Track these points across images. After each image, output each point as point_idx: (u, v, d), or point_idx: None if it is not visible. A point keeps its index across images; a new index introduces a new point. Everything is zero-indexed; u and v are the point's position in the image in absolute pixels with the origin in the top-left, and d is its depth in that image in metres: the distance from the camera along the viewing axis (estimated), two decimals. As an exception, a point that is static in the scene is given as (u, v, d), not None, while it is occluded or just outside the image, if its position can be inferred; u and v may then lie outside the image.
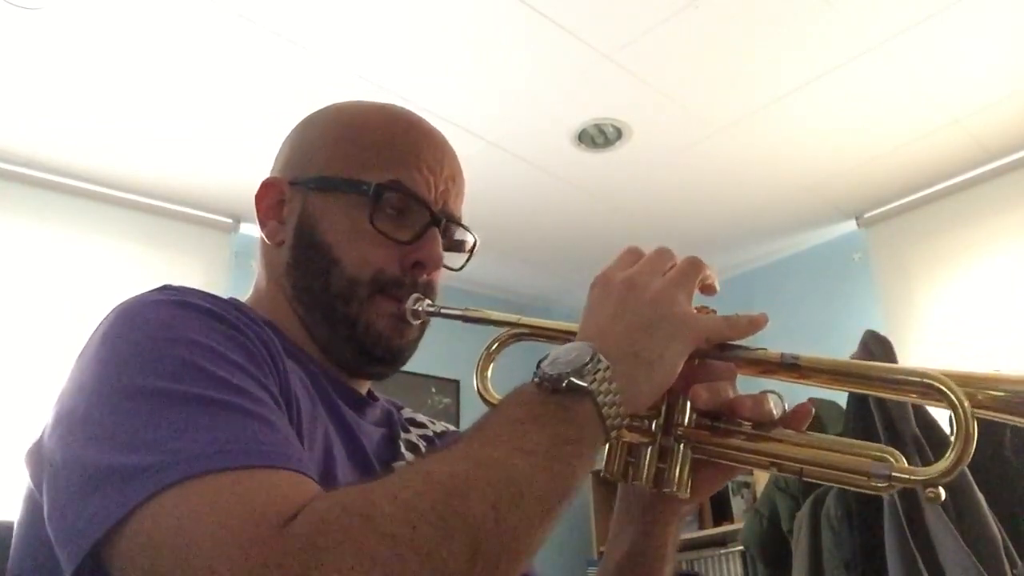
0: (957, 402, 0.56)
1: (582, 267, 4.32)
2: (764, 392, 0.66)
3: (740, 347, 0.65)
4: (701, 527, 3.54)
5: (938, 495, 0.56)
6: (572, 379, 0.56)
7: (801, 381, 0.64)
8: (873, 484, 0.59)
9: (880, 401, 1.63)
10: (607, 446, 0.69)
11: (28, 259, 2.95)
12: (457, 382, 3.93)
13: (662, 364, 0.60)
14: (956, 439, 0.55)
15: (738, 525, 3.07)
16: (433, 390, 3.88)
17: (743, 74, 2.75)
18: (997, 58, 2.70)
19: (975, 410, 0.56)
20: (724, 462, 0.68)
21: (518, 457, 0.52)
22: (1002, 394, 0.57)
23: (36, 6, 2.28)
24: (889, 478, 0.58)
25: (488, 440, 0.54)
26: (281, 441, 0.55)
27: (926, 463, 0.58)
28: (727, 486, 3.51)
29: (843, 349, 1.93)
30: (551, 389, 0.56)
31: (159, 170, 3.10)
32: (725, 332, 0.65)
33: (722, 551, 3.43)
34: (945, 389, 0.56)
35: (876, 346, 1.82)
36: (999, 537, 1.53)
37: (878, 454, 0.60)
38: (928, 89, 2.84)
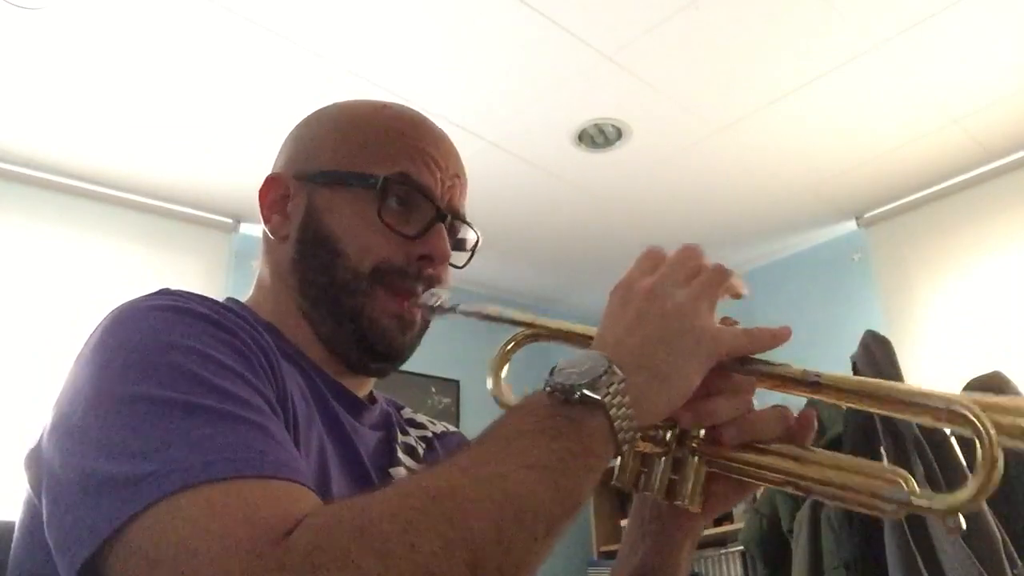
0: (983, 429, 0.53)
1: (582, 267, 4.33)
2: (775, 406, 0.65)
3: (762, 361, 0.63)
4: (701, 527, 3.53)
5: (959, 526, 0.54)
6: (585, 391, 0.54)
7: (820, 397, 0.62)
8: (887, 508, 0.58)
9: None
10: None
11: (28, 259, 2.96)
12: (457, 382, 3.93)
13: (679, 379, 0.58)
14: (981, 468, 0.53)
15: (738, 525, 3.07)
16: (433, 390, 3.88)
17: (743, 74, 2.75)
18: (997, 58, 2.70)
19: (1000, 437, 0.53)
20: (737, 477, 0.67)
21: (523, 472, 0.50)
22: None
23: (36, 6, 2.28)
24: (908, 504, 0.56)
25: (493, 453, 0.52)
26: (278, 450, 0.54)
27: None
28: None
29: (843, 349, 1.93)
30: (562, 400, 0.54)
31: (159, 170, 3.10)
32: (746, 346, 0.62)
33: (722, 551, 3.43)
34: (971, 416, 0.54)
35: (876, 346, 1.82)
36: (999, 537, 1.53)
37: (891, 476, 0.58)
38: (928, 89, 2.84)
